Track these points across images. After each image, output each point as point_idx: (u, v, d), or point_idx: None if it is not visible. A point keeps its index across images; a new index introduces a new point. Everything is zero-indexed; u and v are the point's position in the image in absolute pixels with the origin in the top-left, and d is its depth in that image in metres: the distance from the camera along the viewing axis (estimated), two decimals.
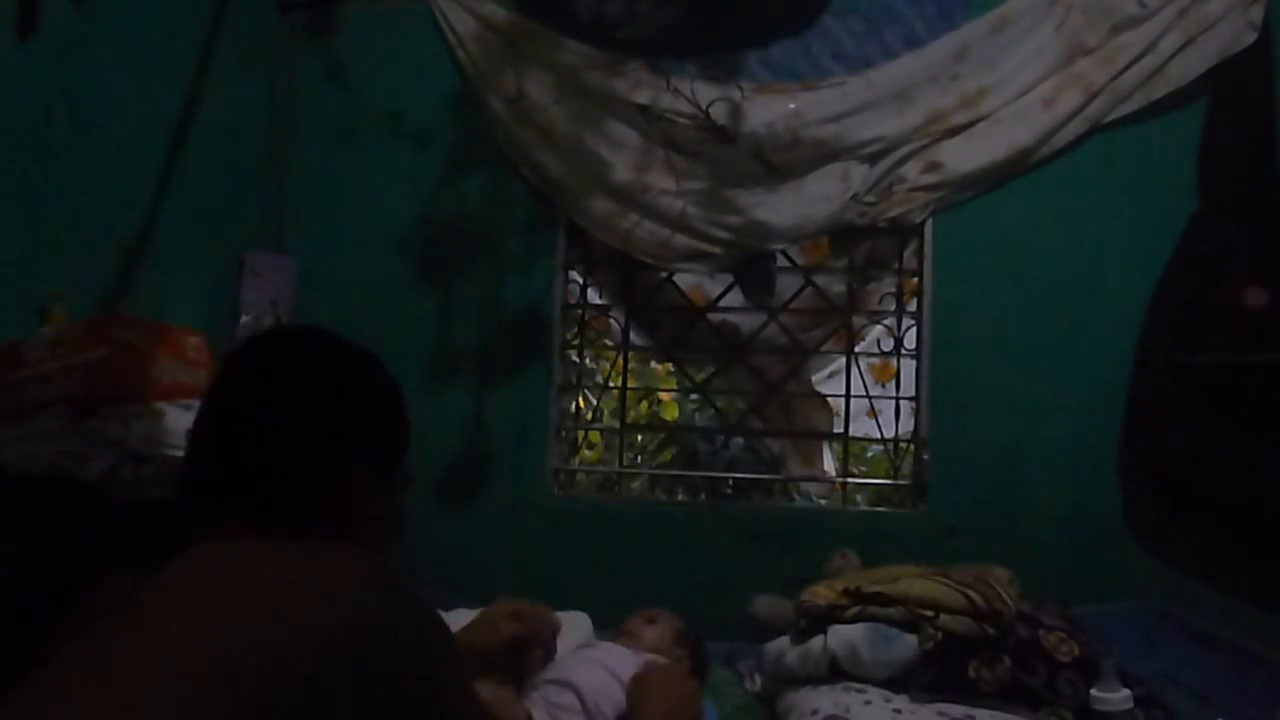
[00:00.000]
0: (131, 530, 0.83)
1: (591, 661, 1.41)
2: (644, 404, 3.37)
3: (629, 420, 2.80)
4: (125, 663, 0.62)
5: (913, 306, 2.35)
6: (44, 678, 0.63)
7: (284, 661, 0.63)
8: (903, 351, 2.36)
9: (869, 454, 3.26)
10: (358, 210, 2.47)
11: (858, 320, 2.47)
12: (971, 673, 1.52)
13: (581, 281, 2.52)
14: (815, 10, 2.28)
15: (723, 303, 2.47)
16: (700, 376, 2.59)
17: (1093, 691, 1.37)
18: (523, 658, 1.41)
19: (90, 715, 0.58)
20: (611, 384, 2.59)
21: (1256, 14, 2.07)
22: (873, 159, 2.22)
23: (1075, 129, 2.16)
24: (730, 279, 2.40)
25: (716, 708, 1.62)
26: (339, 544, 0.77)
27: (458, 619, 1.69)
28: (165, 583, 0.70)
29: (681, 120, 2.23)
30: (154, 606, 0.67)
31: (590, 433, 2.73)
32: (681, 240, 2.28)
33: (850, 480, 2.53)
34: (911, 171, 2.22)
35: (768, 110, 2.21)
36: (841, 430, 2.45)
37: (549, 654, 1.44)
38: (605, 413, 2.67)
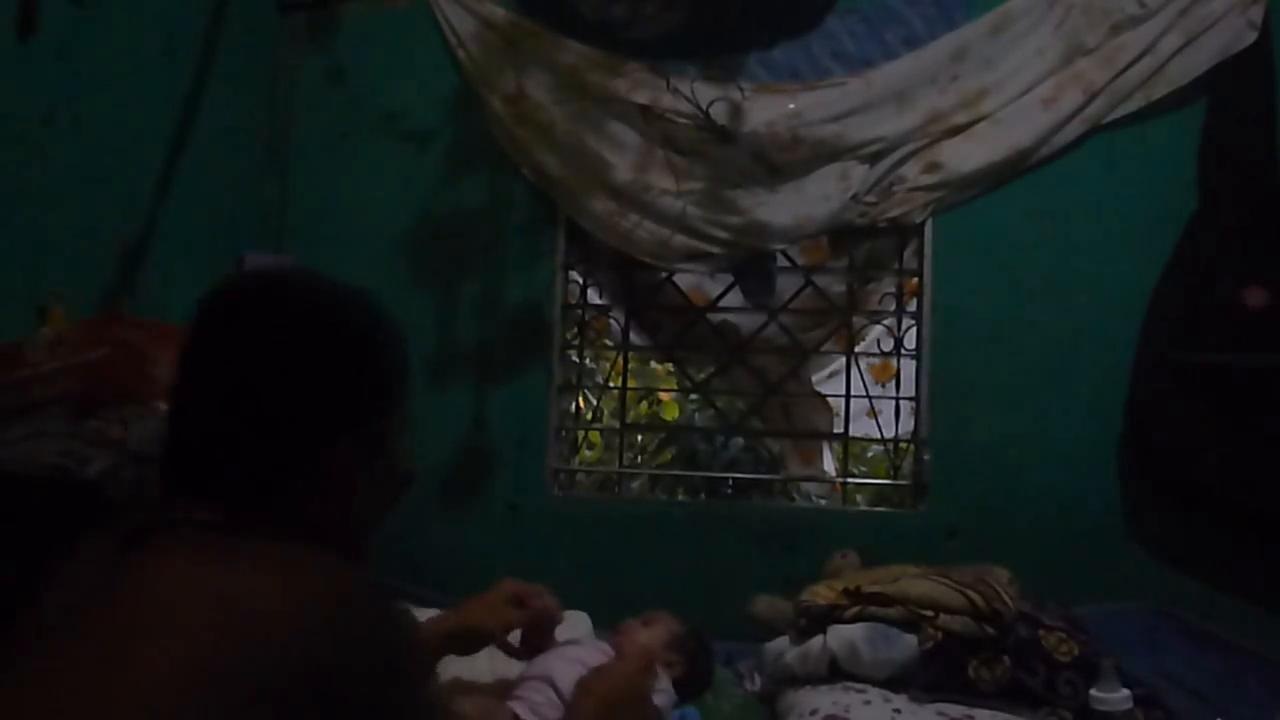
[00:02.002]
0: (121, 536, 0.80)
1: (567, 658, 1.41)
2: (644, 404, 3.36)
3: (629, 420, 2.80)
4: (80, 689, 0.60)
5: (913, 306, 2.35)
6: (14, 673, 0.61)
7: (239, 688, 0.60)
8: (903, 351, 2.36)
9: (869, 454, 3.25)
10: (358, 210, 2.47)
11: (858, 320, 2.47)
12: (971, 673, 1.52)
13: (581, 281, 2.52)
14: (819, 12, 2.28)
15: (723, 303, 2.47)
16: (700, 376, 2.59)
17: (1092, 691, 1.37)
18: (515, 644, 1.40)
19: None
20: (611, 384, 2.59)
21: (1256, 14, 2.07)
22: (873, 159, 2.22)
23: (1075, 129, 2.16)
24: (730, 279, 2.40)
25: (702, 714, 1.61)
26: (307, 554, 0.71)
27: None
28: (120, 599, 0.66)
29: (681, 120, 2.23)
30: (109, 625, 0.64)
31: (590, 433, 2.73)
32: (681, 240, 2.28)
33: (850, 480, 2.53)
34: (911, 171, 2.22)
35: (768, 110, 2.21)
36: (841, 430, 2.45)
37: (539, 648, 1.43)
38: (605, 413, 2.67)
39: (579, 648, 1.50)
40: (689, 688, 1.60)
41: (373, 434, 0.83)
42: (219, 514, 0.74)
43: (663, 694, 1.47)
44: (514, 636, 1.38)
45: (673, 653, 1.59)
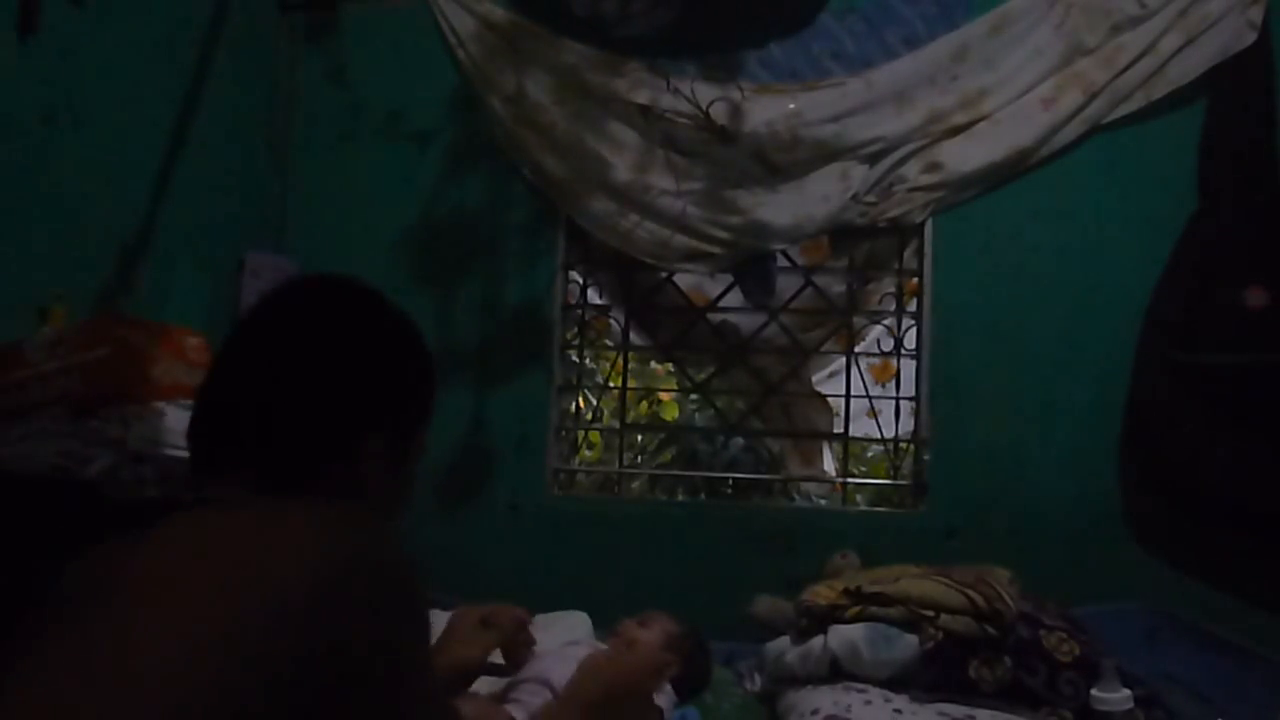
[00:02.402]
0: (130, 530, 0.79)
1: (564, 658, 1.40)
2: (644, 404, 3.36)
3: (629, 420, 2.80)
4: (105, 655, 0.59)
5: (913, 306, 2.35)
6: (21, 669, 0.61)
7: (263, 642, 0.60)
8: (903, 351, 2.36)
9: (869, 454, 3.25)
10: (358, 210, 2.47)
11: (858, 320, 2.47)
12: (972, 673, 1.52)
13: (581, 281, 2.52)
14: (812, 10, 2.28)
15: (723, 303, 2.47)
16: (700, 376, 2.59)
17: (1093, 691, 1.37)
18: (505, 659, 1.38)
19: (74, 714, 0.56)
20: (611, 384, 2.58)
21: (1256, 14, 2.07)
22: (873, 159, 2.22)
23: (1075, 129, 2.16)
24: (730, 279, 2.40)
25: (702, 714, 1.61)
26: (329, 503, 0.72)
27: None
28: (139, 566, 0.65)
29: (681, 120, 2.23)
30: (127, 592, 0.63)
31: (590, 433, 2.73)
32: (681, 240, 2.28)
33: (850, 480, 2.53)
34: (911, 171, 2.22)
35: (768, 110, 2.21)
36: (841, 430, 2.45)
37: (527, 644, 1.40)
38: (605, 413, 2.67)
39: (577, 647, 1.50)
40: (685, 688, 1.59)
41: (399, 441, 0.87)
42: (245, 494, 0.76)
43: (663, 695, 1.47)
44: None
45: (669, 653, 1.59)
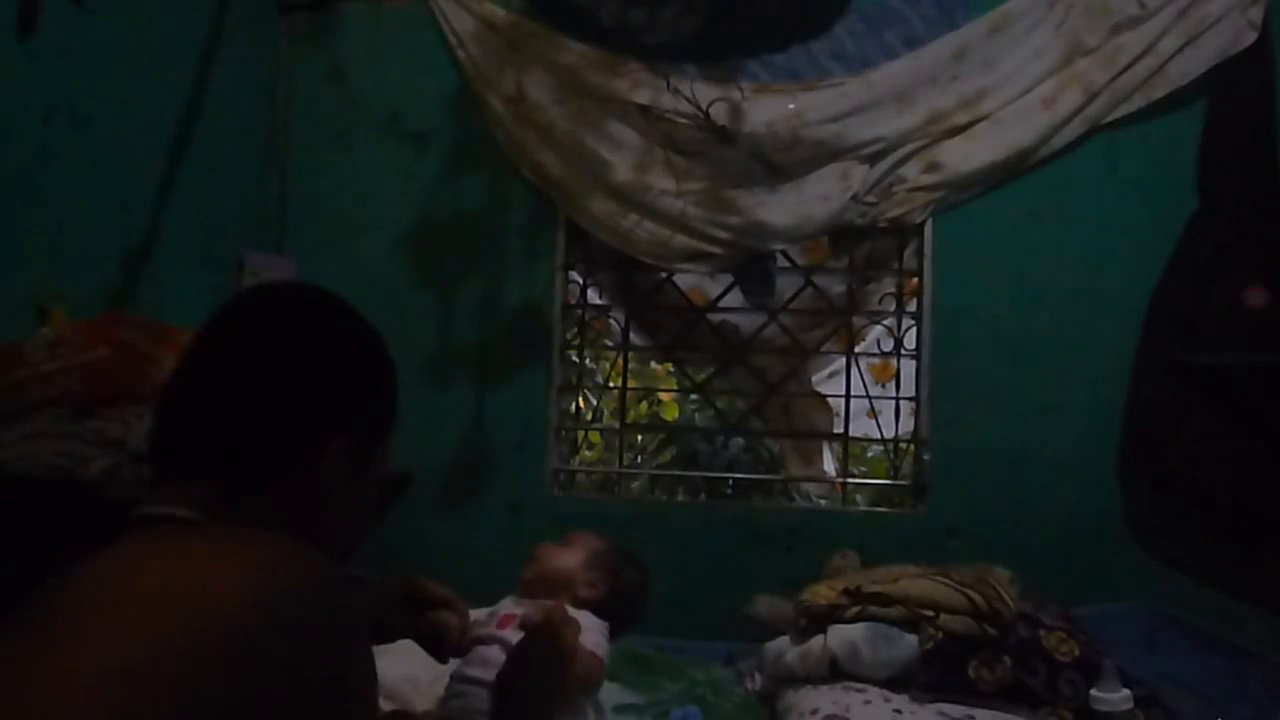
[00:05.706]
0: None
1: (489, 652, 1.31)
2: (644, 404, 3.36)
3: (629, 420, 2.80)
4: (23, 678, 0.58)
5: (913, 306, 2.35)
6: None
7: (166, 673, 0.59)
8: (903, 351, 2.36)
9: (869, 454, 3.25)
10: (358, 210, 2.47)
11: (858, 320, 2.47)
12: (971, 673, 1.52)
13: (581, 281, 2.52)
14: (831, 16, 2.27)
15: (723, 303, 2.47)
16: (700, 376, 2.59)
17: (1093, 692, 1.37)
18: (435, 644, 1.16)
19: None
20: (611, 384, 2.59)
21: (1256, 14, 2.07)
22: (873, 159, 2.22)
23: (1075, 129, 2.16)
24: (730, 279, 2.40)
25: (703, 714, 1.61)
26: (276, 544, 0.70)
27: None
28: (71, 593, 0.65)
29: (681, 120, 2.23)
30: (60, 617, 0.63)
31: (590, 433, 2.73)
32: (681, 240, 2.28)
33: (850, 480, 2.53)
34: (911, 171, 2.22)
35: (768, 110, 2.21)
36: (841, 430, 2.45)
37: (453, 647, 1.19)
38: (605, 413, 2.67)
39: (494, 631, 1.36)
40: (618, 607, 1.47)
41: (357, 452, 0.85)
42: (196, 509, 0.75)
43: (591, 631, 1.35)
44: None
45: (593, 571, 1.47)
